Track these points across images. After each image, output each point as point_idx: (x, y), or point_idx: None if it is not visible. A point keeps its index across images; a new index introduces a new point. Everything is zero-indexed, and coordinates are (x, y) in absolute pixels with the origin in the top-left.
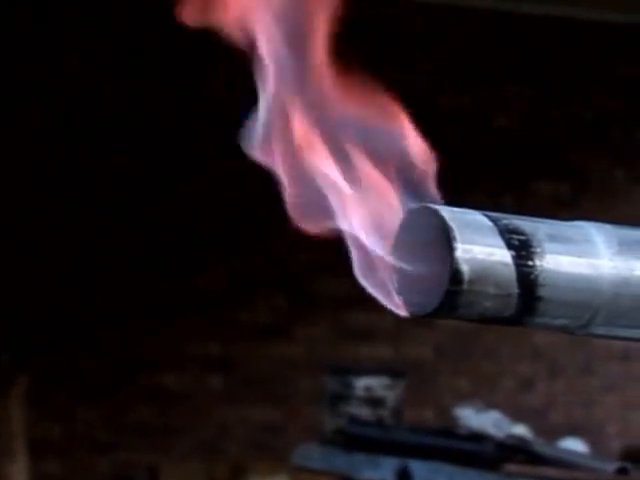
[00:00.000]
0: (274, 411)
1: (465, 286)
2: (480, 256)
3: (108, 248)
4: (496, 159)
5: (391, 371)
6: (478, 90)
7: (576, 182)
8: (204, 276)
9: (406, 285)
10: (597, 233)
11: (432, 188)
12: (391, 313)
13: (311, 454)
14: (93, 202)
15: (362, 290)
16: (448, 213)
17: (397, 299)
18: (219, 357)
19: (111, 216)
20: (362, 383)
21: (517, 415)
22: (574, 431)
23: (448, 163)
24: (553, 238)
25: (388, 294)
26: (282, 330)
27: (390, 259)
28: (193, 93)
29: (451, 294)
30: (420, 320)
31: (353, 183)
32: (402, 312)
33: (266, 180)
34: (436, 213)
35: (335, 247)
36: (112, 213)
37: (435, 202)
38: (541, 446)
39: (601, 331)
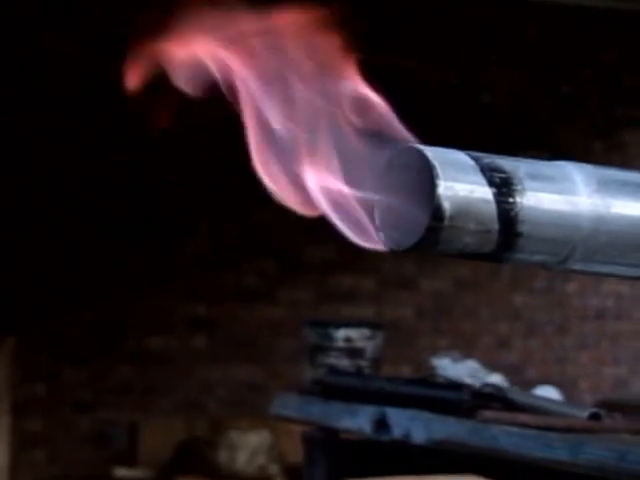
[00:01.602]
0: (256, 370)
1: (446, 222)
2: (462, 193)
3: (96, 211)
4: (482, 133)
5: (370, 323)
6: (465, 67)
7: (557, 153)
8: (192, 239)
9: (387, 222)
10: (576, 172)
11: (402, 130)
12: (373, 276)
13: (289, 404)
14: (80, 165)
15: (344, 254)
16: (431, 152)
17: (375, 235)
18: (204, 318)
19: (99, 180)
20: (341, 334)
21: (494, 370)
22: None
23: (435, 137)
24: (533, 176)
25: (364, 230)
26: (267, 293)
27: (373, 197)
28: None
29: (432, 230)
30: (401, 283)
31: (330, 131)
32: (379, 247)
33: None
34: (419, 152)
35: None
36: (99, 177)
37: (415, 142)
38: (516, 394)
39: (578, 267)
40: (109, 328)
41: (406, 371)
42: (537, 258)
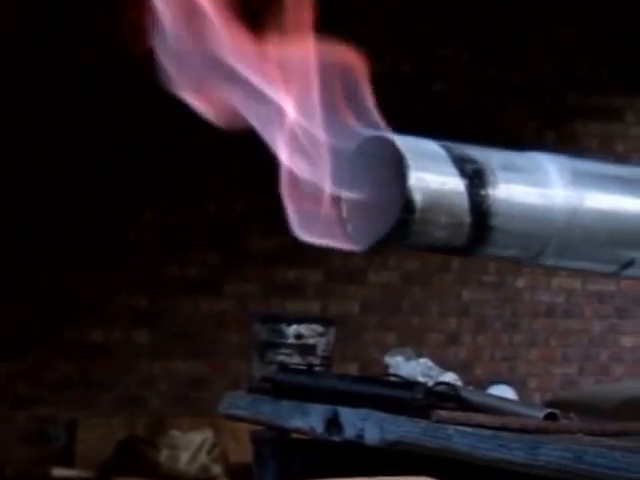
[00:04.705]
0: (200, 365)
1: (417, 215)
2: (433, 185)
3: (33, 200)
4: (433, 121)
5: (322, 319)
6: (416, 55)
7: (509, 142)
8: (135, 229)
9: (357, 214)
10: (550, 163)
11: (377, 117)
12: (320, 269)
13: (237, 402)
14: (18, 154)
15: (292, 246)
16: (401, 142)
17: (346, 231)
18: (146, 311)
19: (36, 170)
20: (293, 330)
21: (443, 368)
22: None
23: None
24: (506, 167)
25: (335, 230)
26: (211, 285)
27: (340, 188)
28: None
29: (403, 222)
30: (348, 276)
31: (298, 114)
32: (352, 245)
33: (203, 135)
34: (389, 141)
35: (267, 203)
36: (38, 168)
37: (386, 131)
38: (470, 393)
39: (550, 262)
40: (47, 321)
41: (353, 368)
42: (509, 252)
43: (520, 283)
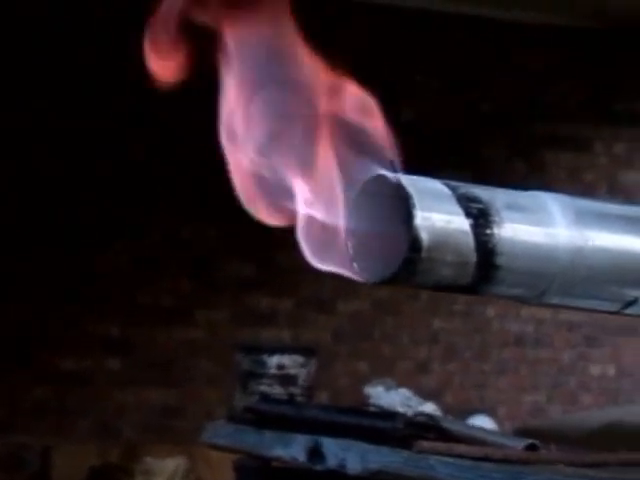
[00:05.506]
0: (173, 394)
1: (424, 253)
2: (439, 224)
3: (8, 227)
4: (402, 151)
5: (303, 349)
6: (385, 83)
7: (477, 172)
8: (107, 257)
9: (363, 252)
10: (553, 202)
11: (390, 156)
12: (291, 297)
13: (220, 432)
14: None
15: (263, 274)
16: (407, 181)
17: (353, 266)
18: (119, 339)
19: (11, 195)
20: (275, 361)
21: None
22: (467, 412)
23: None
24: (511, 207)
25: (344, 262)
26: (183, 313)
27: (347, 226)
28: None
29: (409, 261)
30: (319, 304)
31: (308, 155)
32: (360, 278)
33: (173, 165)
34: (395, 181)
35: (239, 231)
36: (11, 193)
37: (394, 170)
38: (451, 423)
39: (555, 300)
40: (20, 348)
41: (324, 397)
42: (514, 291)
43: (490, 312)
